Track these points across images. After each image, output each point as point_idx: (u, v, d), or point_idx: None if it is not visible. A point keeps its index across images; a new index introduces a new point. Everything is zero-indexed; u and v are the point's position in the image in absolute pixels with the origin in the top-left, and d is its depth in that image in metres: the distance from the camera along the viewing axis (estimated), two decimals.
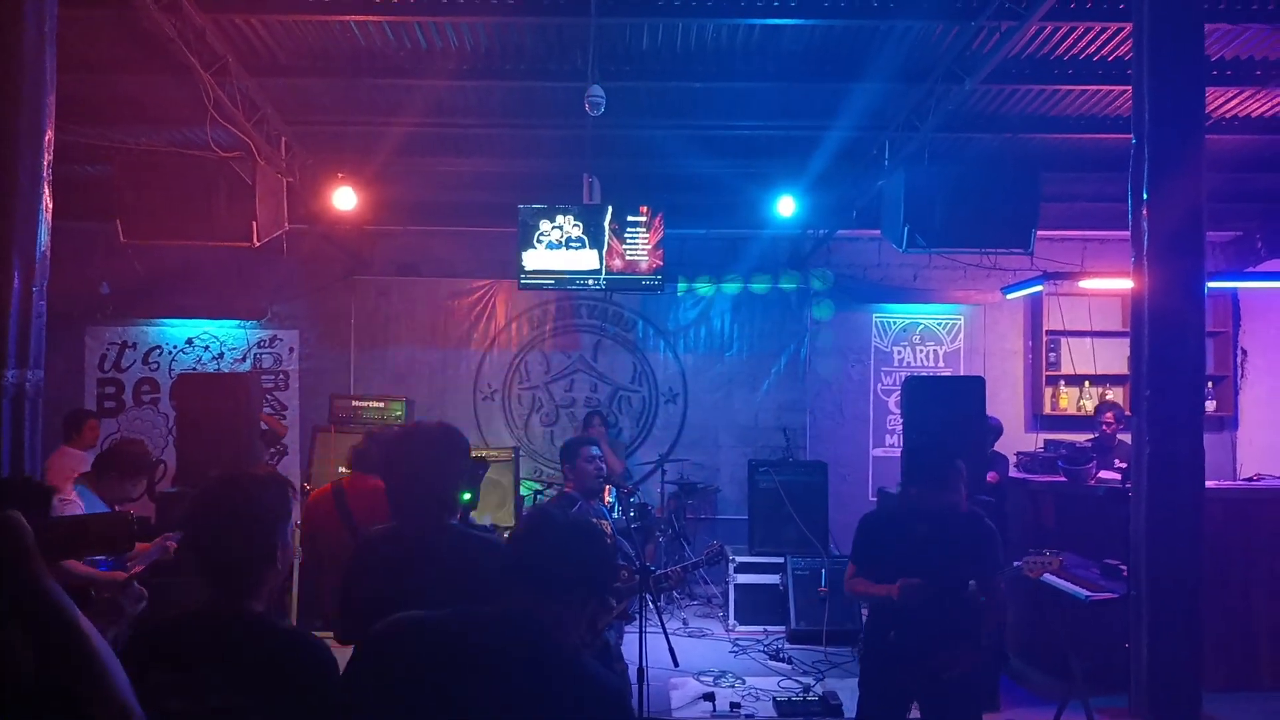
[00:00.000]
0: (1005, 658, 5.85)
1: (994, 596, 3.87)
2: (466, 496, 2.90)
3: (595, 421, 8.38)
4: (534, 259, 7.45)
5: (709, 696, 5.68)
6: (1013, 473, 7.11)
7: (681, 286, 9.10)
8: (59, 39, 3.01)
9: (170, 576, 5.00)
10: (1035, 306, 9.15)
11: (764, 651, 6.79)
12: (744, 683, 6.07)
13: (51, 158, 2.97)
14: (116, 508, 4.72)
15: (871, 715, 4.02)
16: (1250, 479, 7.31)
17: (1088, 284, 8.59)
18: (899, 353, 9.42)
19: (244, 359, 9.14)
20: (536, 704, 1.82)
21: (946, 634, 3.75)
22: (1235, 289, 9.07)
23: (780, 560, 7.25)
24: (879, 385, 9.39)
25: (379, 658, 1.91)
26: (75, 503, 4.40)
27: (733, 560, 7.37)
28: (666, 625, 5.99)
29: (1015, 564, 4.58)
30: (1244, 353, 9.17)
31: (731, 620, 7.36)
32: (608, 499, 6.13)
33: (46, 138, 2.94)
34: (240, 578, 2.05)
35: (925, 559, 3.70)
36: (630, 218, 7.42)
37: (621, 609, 4.54)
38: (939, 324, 9.42)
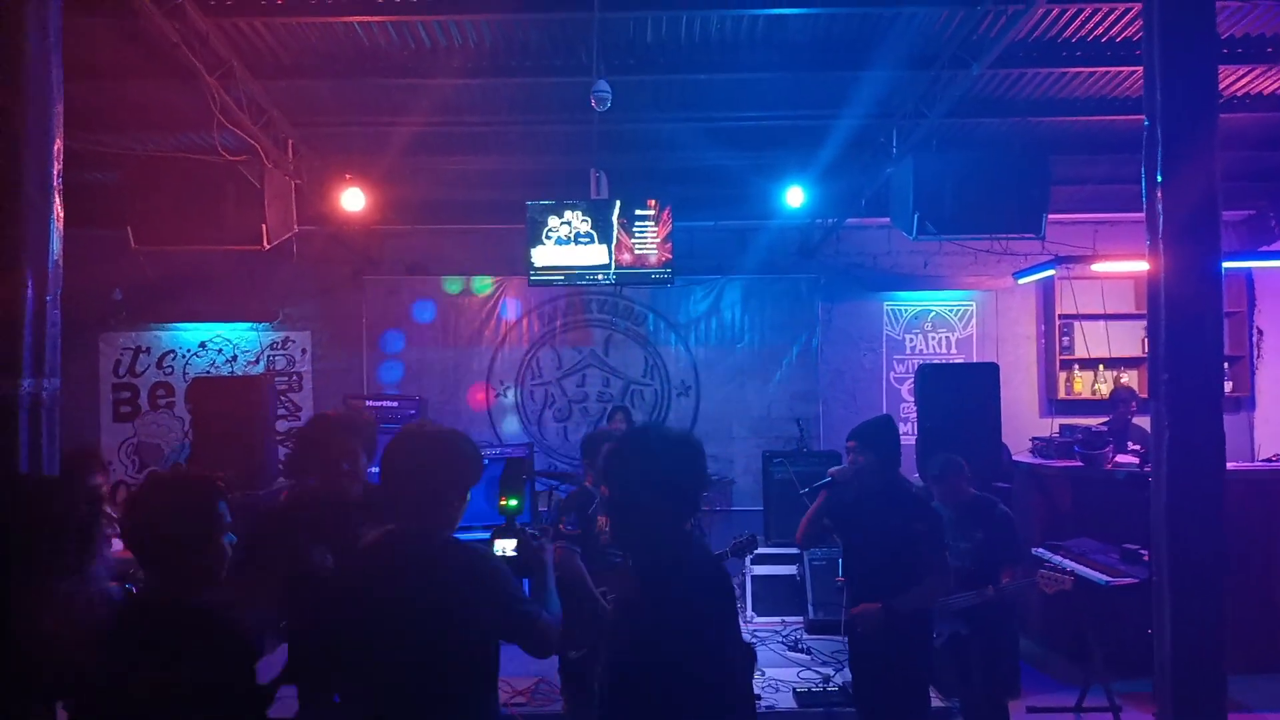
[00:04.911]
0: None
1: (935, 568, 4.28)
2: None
3: (619, 417, 8.22)
4: (543, 255, 7.44)
5: None
6: (1030, 458, 7.08)
7: (691, 279, 9.07)
8: (64, 47, 3.01)
9: None
10: (1047, 291, 9.09)
11: (782, 642, 6.78)
12: (763, 674, 6.06)
13: (61, 166, 2.97)
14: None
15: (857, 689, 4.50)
16: (1269, 459, 7.27)
17: (1100, 267, 8.52)
18: (911, 340, 9.38)
19: (257, 361, 9.18)
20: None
21: (871, 597, 4.20)
22: (1249, 268, 9.00)
23: (796, 551, 7.24)
24: (891, 374, 9.36)
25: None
26: None
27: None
28: None
29: (1031, 579, 4.68)
30: (1259, 332, 9.10)
31: (749, 612, 7.35)
32: None
33: (55, 146, 2.93)
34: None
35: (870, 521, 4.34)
36: (638, 211, 7.40)
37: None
38: (951, 310, 9.38)
